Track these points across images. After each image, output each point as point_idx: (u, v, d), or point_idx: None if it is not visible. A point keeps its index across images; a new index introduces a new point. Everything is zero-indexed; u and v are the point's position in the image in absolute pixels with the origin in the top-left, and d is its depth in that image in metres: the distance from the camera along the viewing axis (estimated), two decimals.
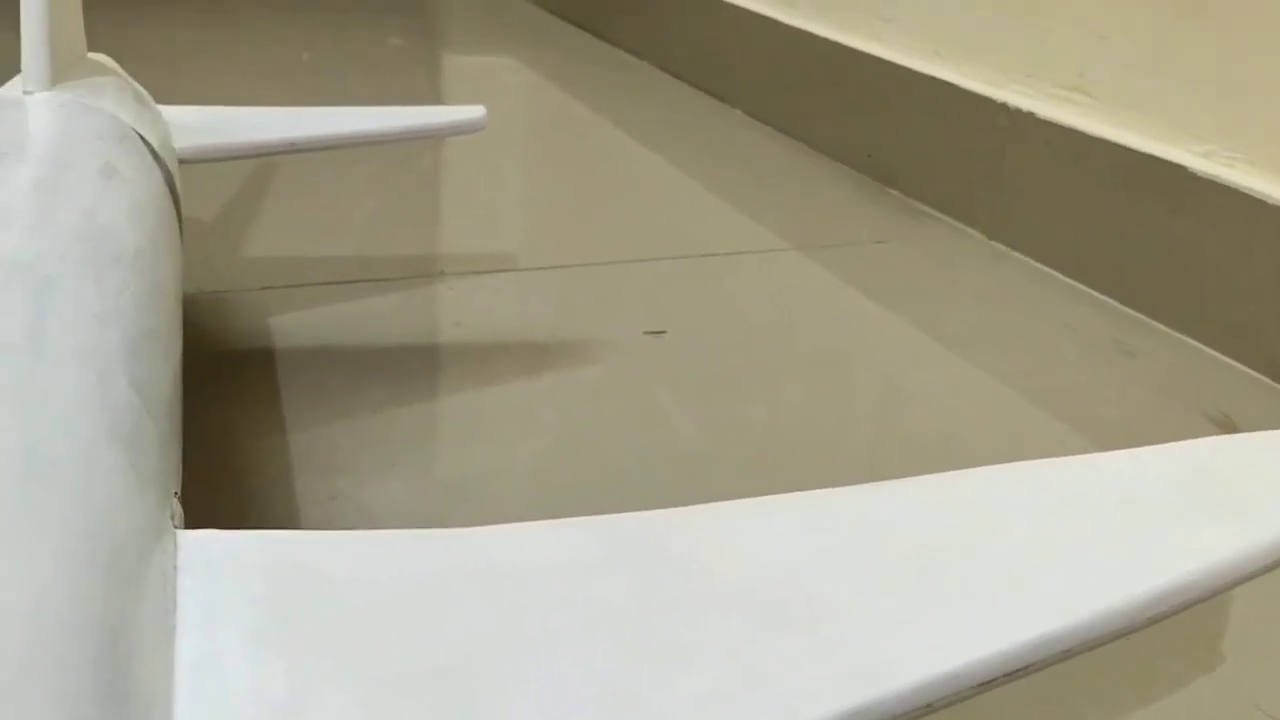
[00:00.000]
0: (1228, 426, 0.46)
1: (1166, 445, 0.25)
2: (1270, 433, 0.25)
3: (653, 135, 0.85)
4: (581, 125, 0.88)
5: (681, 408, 0.44)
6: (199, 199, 0.61)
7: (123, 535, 0.17)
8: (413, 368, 0.46)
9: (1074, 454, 0.44)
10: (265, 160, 0.67)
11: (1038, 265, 0.62)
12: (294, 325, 0.48)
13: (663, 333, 0.50)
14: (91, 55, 0.42)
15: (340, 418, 0.41)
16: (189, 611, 0.17)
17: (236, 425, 0.39)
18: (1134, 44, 0.57)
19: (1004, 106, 0.63)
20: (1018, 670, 0.17)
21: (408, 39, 1.19)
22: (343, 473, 0.37)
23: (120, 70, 0.41)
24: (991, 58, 0.66)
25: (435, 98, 0.97)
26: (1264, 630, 0.33)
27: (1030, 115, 0.62)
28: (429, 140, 0.75)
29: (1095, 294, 0.58)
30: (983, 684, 0.17)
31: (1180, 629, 0.33)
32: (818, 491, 0.23)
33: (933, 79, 0.69)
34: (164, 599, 0.17)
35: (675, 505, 0.37)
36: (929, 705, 0.17)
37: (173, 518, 0.19)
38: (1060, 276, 0.60)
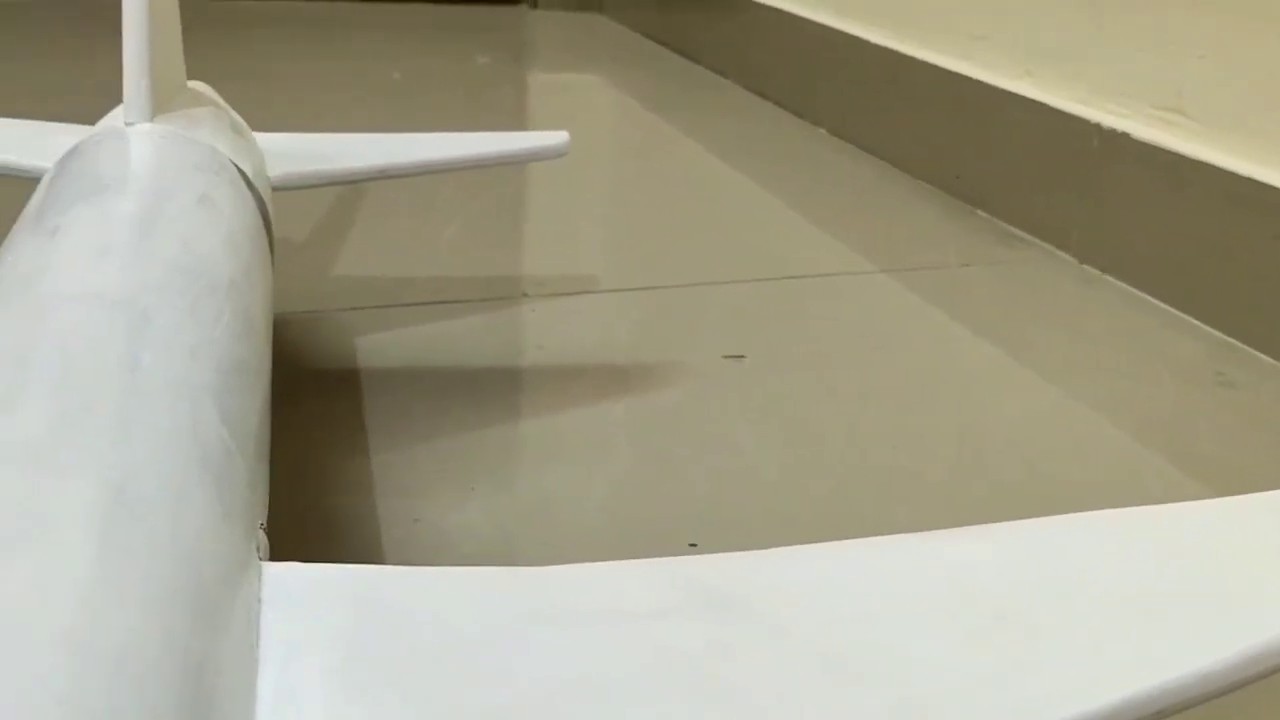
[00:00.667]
0: None
1: (1262, 494, 0.24)
2: None
3: (736, 154, 0.84)
4: (666, 143, 0.89)
5: (759, 435, 0.44)
6: (290, 219, 0.62)
7: (209, 569, 0.17)
8: (494, 390, 0.46)
9: (1171, 491, 0.43)
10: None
11: (1133, 290, 0.60)
12: (380, 346, 0.49)
13: (742, 357, 0.50)
14: (191, 83, 0.43)
15: (423, 440, 0.41)
16: (271, 646, 0.18)
17: (322, 445, 0.40)
18: (1234, 64, 0.55)
19: (1097, 127, 0.62)
20: None
21: (495, 57, 1.21)
22: (424, 496, 0.38)
23: (218, 98, 0.43)
24: (1086, 77, 0.64)
25: (521, 115, 0.99)
26: None
27: (1125, 136, 0.60)
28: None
29: (1194, 321, 0.56)
30: None
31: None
32: (899, 537, 0.22)
33: (1024, 98, 0.68)
34: (248, 633, 0.17)
35: (752, 536, 0.37)
36: None
37: (258, 549, 0.20)
38: (1156, 303, 0.59)
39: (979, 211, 0.73)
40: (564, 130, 0.47)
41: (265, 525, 0.21)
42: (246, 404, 0.23)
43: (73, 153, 0.32)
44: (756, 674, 0.17)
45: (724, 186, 0.78)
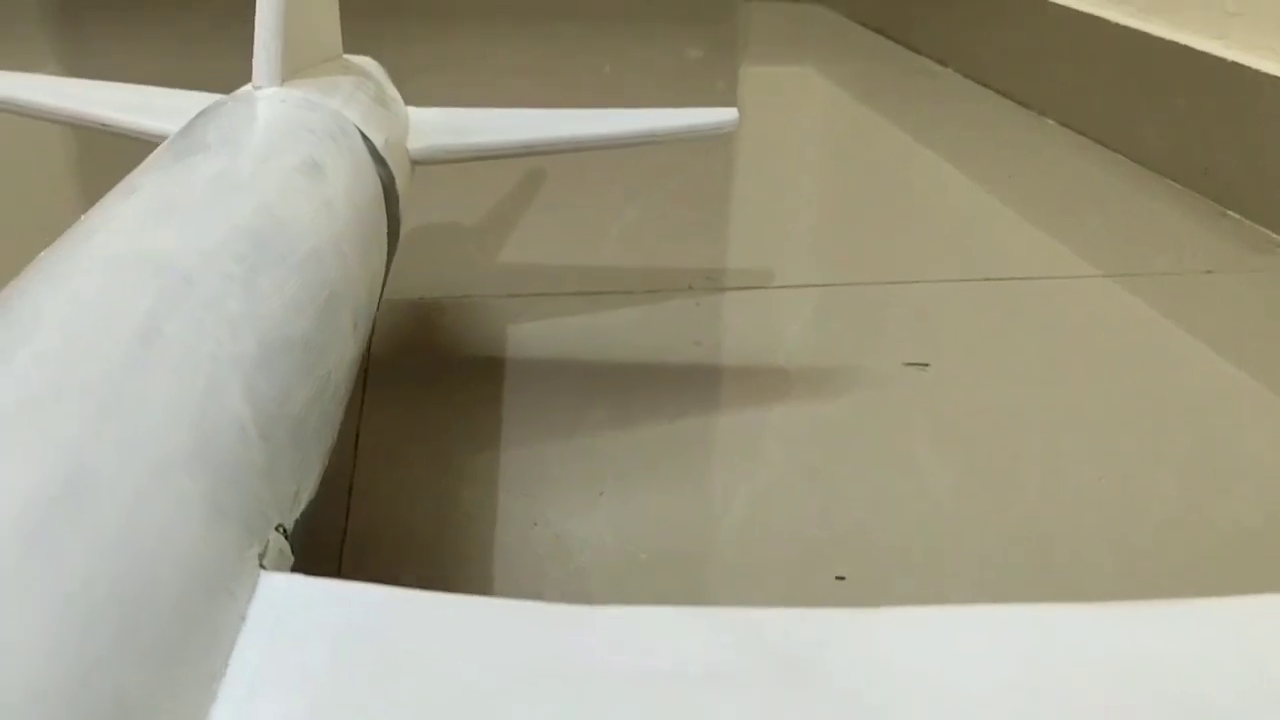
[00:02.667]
0: None
1: None
2: None
3: (950, 145, 0.77)
4: (873, 135, 0.83)
5: (936, 455, 0.38)
6: (463, 203, 0.61)
7: (173, 579, 0.15)
8: (641, 387, 0.43)
9: None
10: (533, 167, 0.66)
11: None
12: (530, 335, 0.46)
13: (925, 365, 0.44)
14: (351, 57, 0.42)
15: (557, 438, 0.38)
16: (238, 675, 0.15)
17: (455, 434, 0.38)
18: None
19: None
20: None
21: (706, 49, 1.18)
22: (548, 498, 0.35)
23: (377, 73, 0.41)
24: None
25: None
26: None
27: None
28: (703, 149, 0.73)
29: None
30: None
31: None
32: (1064, 606, 0.17)
33: None
34: (210, 660, 0.14)
35: (912, 573, 0.31)
36: None
37: (263, 555, 0.17)
38: None
39: (1230, 213, 0.63)
40: (734, 108, 0.43)
41: (285, 527, 0.18)
42: (289, 386, 0.20)
43: (195, 117, 0.31)
44: None
45: (931, 180, 0.71)
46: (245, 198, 0.24)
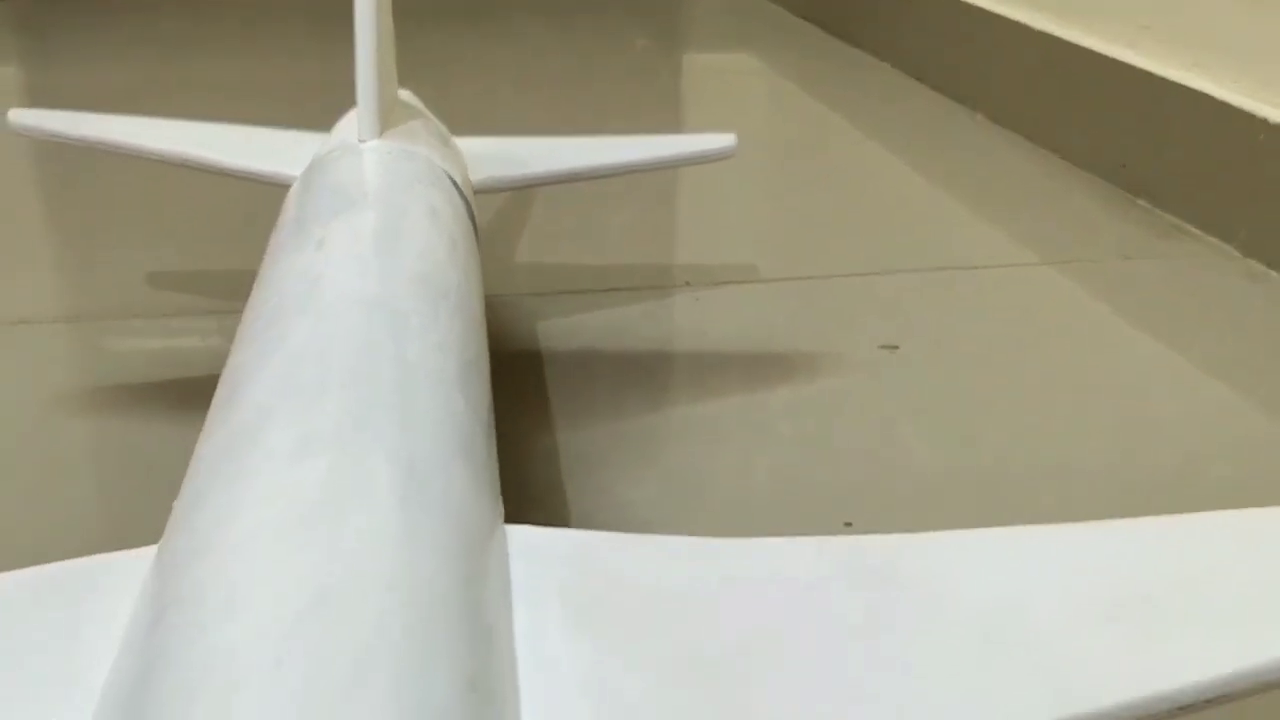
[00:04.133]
0: None
1: None
2: None
3: (892, 138, 0.86)
4: (818, 125, 0.91)
5: (913, 424, 0.46)
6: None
7: (474, 530, 0.22)
8: (663, 374, 0.50)
9: None
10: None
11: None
12: (558, 330, 0.53)
13: (896, 348, 0.52)
14: (400, 92, 0.48)
15: (602, 421, 0.46)
16: (520, 591, 0.22)
17: (516, 423, 0.45)
18: None
19: (1264, 122, 0.61)
20: (1215, 699, 0.20)
21: (654, 39, 1.25)
22: (605, 471, 0.42)
23: (423, 108, 0.48)
24: (1254, 71, 0.63)
25: (683, 102, 1.02)
26: None
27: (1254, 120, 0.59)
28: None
29: None
30: (1173, 711, 0.19)
31: None
32: (1044, 527, 0.25)
33: (1190, 90, 0.67)
34: (504, 581, 0.22)
35: (903, 519, 0.40)
36: None
37: (500, 516, 0.24)
38: None
39: (1140, 202, 0.73)
40: (731, 133, 0.50)
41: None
42: (480, 392, 0.27)
43: (316, 168, 0.38)
44: (910, 641, 0.21)
45: (881, 173, 0.80)
46: (408, 247, 0.31)
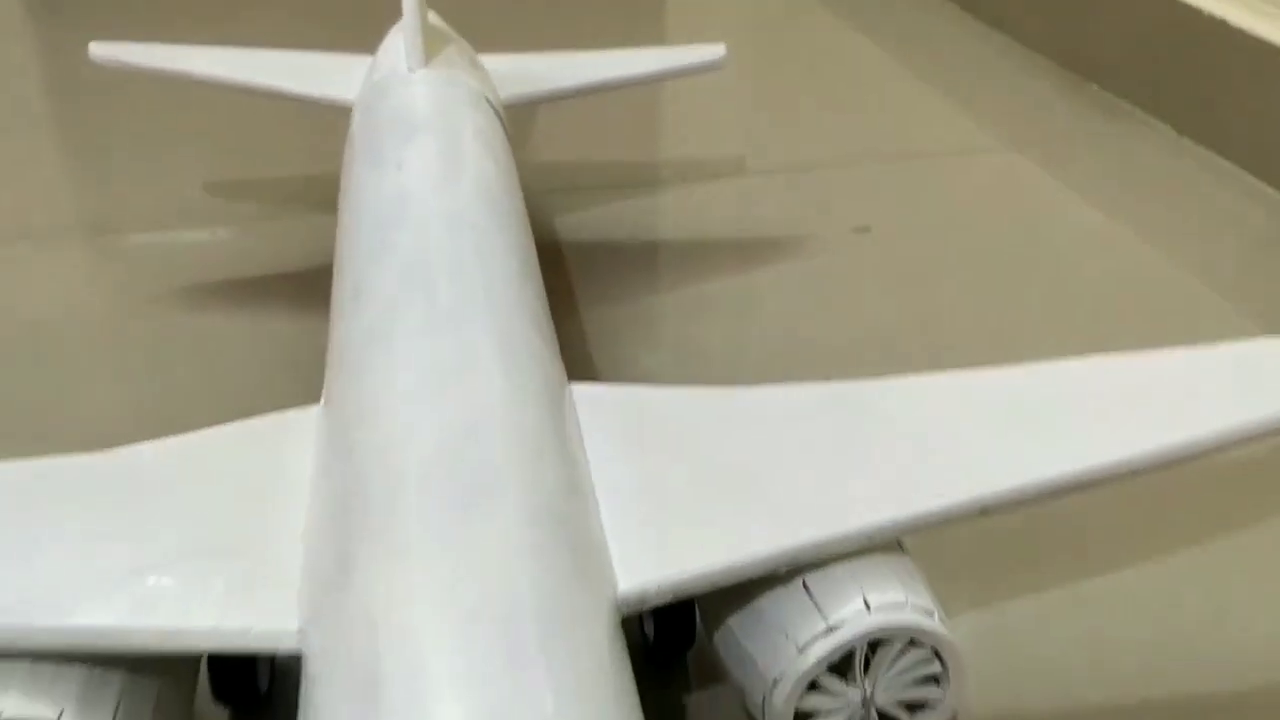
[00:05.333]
0: None
1: (1254, 341, 0.34)
2: None
3: (863, 22, 0.92)
4: (794, 14, 0.96)
5: (881, 293, 0.55)
6: None
7: (553, 386, 0.30)
8: (667, 260, 0.58)
9: (1216, 324, 0.52)
10: None
11: (1219, 159, 0.68)
12: (574, 225, 0.61)
13: (868, 229, 0.60)
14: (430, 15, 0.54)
15: (618, 302, 0.54)
16: (586, 430, 0.30)
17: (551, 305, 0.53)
18: None
19: (1198, 12, 0.68)
20: (1080, 485, 0.28)
21: None
22: (626, 345, 0.50)
23: (452, 31, 0.54)
24: None
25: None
26: None
27: (1222, 22, 0.66)
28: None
29: (1266, 188, 0.64)
30: (1048, 494, 0.28)
31: (1257, 476, 0.42)
32: (977, 370, 0.33)
33: None
34: (576, 423, 0.30)
35: (873, 369, 0.48)
36: (1021, 501, 0.28)
37: (565, 376, 0.32)
38: (1238, 170, 0.66)
39: (1092, 85, 0.79)
40: (720, 43, 0.57)
41: None
42: (537, 282, 0.35)
43: (376, 94, 0.45)
44: (865, 450, 0.29)
45: (854, 60, 0.86)
46: (468, 167, 0.38)
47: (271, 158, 0.68)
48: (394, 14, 0.49)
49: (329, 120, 0.52)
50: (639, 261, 0.58)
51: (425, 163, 0.38)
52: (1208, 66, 0.69)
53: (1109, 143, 0.72)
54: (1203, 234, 0.61)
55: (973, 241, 0.60)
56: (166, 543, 0.26)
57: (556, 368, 0.32)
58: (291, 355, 0.49)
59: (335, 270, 0.37)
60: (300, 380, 0.47)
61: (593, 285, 0.55)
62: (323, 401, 0.31)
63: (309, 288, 0.53)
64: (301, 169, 0.65)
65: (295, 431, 0.30)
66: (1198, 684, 0.35)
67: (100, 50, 0.54)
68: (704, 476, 0.29)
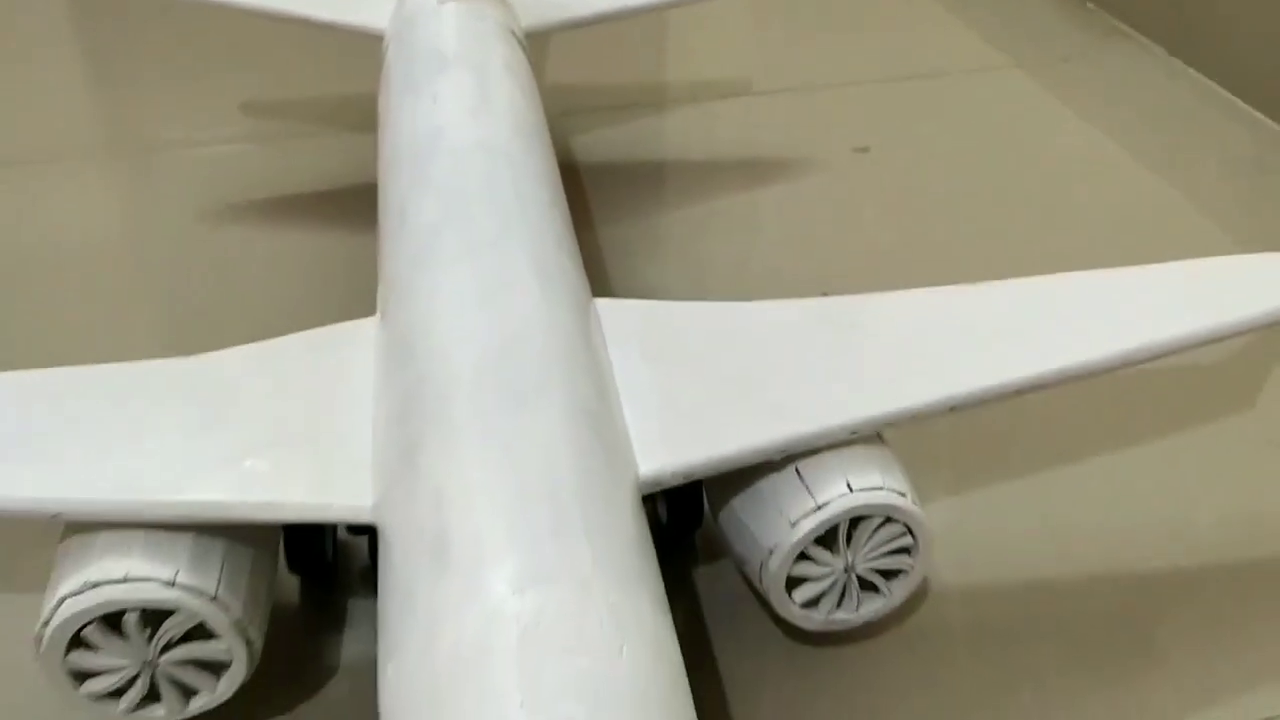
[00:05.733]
0: None
1: (1207, 259, 0.38)
2: (1270, 254, 0.38)
3: None
4: None
5: (877, 212, 0.58)
6: None
7: (582, 300, 0.34)
8: (676, 179, 0.62)
9: (1186, 234, 0.56)
10: None
11: (1207, 82, 0.71)
12: (589, 145, 0.64)
13: (867, 149, 0.64)
14: None
15: (630, 218, 0.57)
16: (610, 340, 0.34)
17: None
18: None
19: None
20: (1038, 386, 0.33)
21: None
22: (637, 259, 0.54)
23: None
24: None
25: None
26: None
27: None
28: None
29: (1255, 112, 0.67)
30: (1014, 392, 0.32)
31: (1210, 380, 0.47)
32: (954, 286, 0.37)
33: None
34: (601, 333, 0.34)
35: (867, 285, 0.52)
36: (984, 400, 0.32)
37: (589, 291, 0.37)
38: (1226, 94, 0.69)
39: (1089, 4, 0.82)
40: None
41: None
42: (563, 205, 0.39)
43: (406, 27, 0.48)
44: (854, 353, 0.34)
45: None
46: (498, 96, 0.42)
47: (305, 79, 0.71)
48: None
49: (360, 44, 0.56)
50: (649, 180, 0.61)
51: (459, 95, 0.42)
52: None
53: (1104, 62, 0.74)
54: (1188, 154, 0.64)
55: (967, 161, 0.63)
56: (254, 433, 0.31)
57: (583, 284, 0.36)
58: (332, 267, 0.53)
59: (380, 194, 0.41)
60: (343, 289, 0.51)
61: (606, 203, 0.59)
62: (379, 315, 0.35)
63: (347, 204, 0.58)
64: (335, 89, 0.68)
65: (356, 340, 0.34)
66: (1148, 562, 0.39)
67: None
68: (711, 379, 0.33)
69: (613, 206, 0.59)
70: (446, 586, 0.25)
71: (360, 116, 0.63)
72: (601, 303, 0.36)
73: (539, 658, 0.23)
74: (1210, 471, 0.43)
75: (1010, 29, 0.79)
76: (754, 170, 0.62)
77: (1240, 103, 0.68)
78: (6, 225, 0.57)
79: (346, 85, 0.68)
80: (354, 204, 0.57)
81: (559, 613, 0.23)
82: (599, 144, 0.65)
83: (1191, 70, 0.72)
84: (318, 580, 0.37)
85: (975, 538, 0.40)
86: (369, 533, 0.34)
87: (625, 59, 0.75)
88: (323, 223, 0.57)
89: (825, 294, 0.53)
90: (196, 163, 0.63)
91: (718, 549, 0.38)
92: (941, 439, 0.44)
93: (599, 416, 0.30)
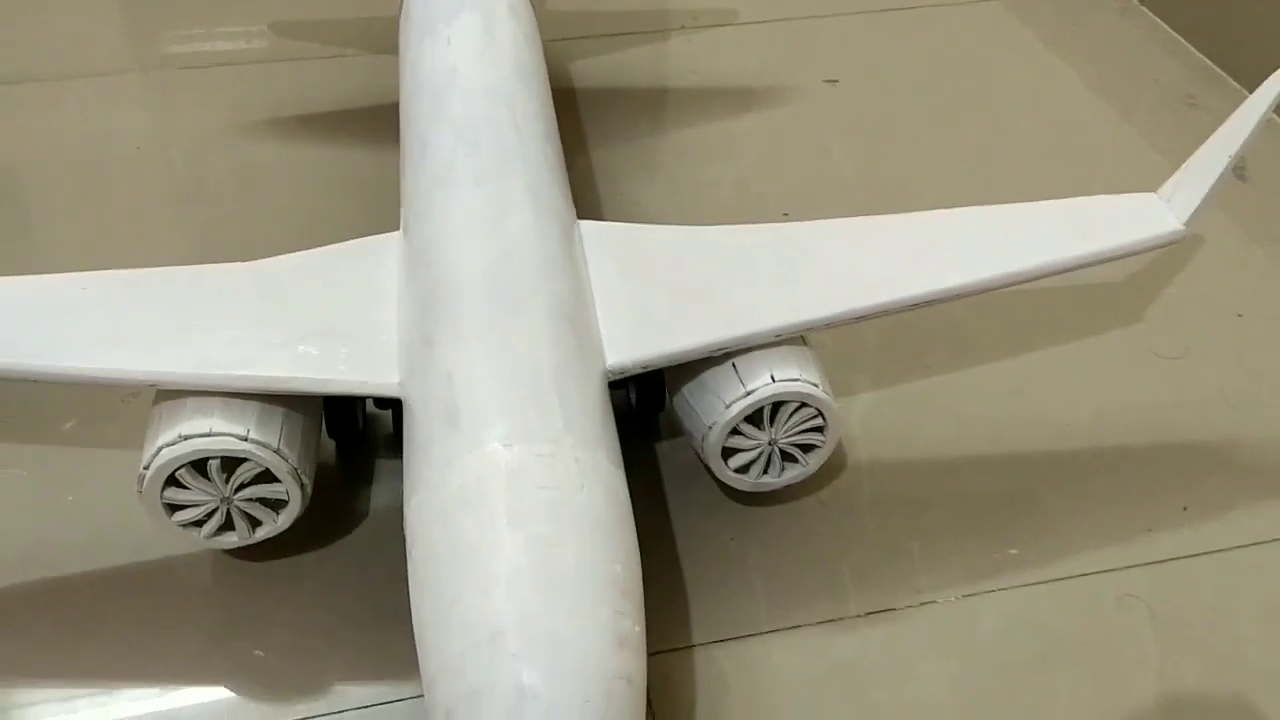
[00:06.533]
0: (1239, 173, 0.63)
1: (1090, 197, 0.46)
2: (1143, 194, 0.45)
3: None
4: None
5: (841, 141, 0.66)
6: None
7: (567, 223, 0.42)
8: (663, 104, 0.69)
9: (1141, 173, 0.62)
10: None
11: (1155, 19, 0.77)
12: (585, 70, 0.71)
13: (836, 81, 0.70)
14: None
15: (620, 143, 0.65)
16: (591, 252, 0.42)
17: (565, 144, 0.64)
18: None
19: None
20: (937, 300, 0.41)
21: None
22: (625, 181, 0.62)
23: None
24: None
25: None
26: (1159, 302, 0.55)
27: None
28: None
29: (1192, 49, 0.73)
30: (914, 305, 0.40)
31: (1106, 300, 0.55)
32: (878, 216, 0.45)
33: None
34: (582, 250, 0.42)
35: (826, 208, 0.60)
36: (888, 311, 0.40)
37: (574, 214, 0.44)
38: (1171, 32, 0.75)
39: None
40: None
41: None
42: (556, 141, 0.47)
43: None
44: (790, 269, 0.41)
45: None
46: (502, 42, 0.49)
47: (330, 1, 0.77)
48: None
49: None
50: (639, 105, 0.68)
51: (469, 39, 0.49)
52: None
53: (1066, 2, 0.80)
54: (1131, 84, 0.71)
55: (929, 90, 0.70)
56: (304, 325, 0.39)
57: (569, 209, 0.44)
58: (352, 180, 0.61)
59: (402, 124, 0.48)
60: (363, 200, 0.59)
61: (599, 126, 0.66)
62: (401, 230, 0.43)
63: (370, 124, 0.65)
64: (356, 13, 0.75)
65: (384, 251, 0.42)
66: (1037, 445, 0.48)
67: None
68: (670, 290, 0.41)
69: (605, 129, 0.66)
70: (455, 442, 0.33)
71: (380, 40, 0.70)
72: (585, 224, 0.44)
73: (520, 492, 0.31)
74: (1095, 375, 0.51)
75: None
76: (734, 98, 0.69)
77: (1181, 40, 0.74)
78: (48, 137, 0.65)
79: (366, 8, 0.74)
80: (373, 123, 0.65)
81: (536, 461, 0.32)
82: (595, 69, 0.71)
83: (1144, 9, 0.78)
84: (351, 445, 0.46)
85: (889, 425, 0.49)
86: (393, 407, 0.43)
87: None
88: (346, 139, 0.65)
89: (786, 215, 0.61)
90: (227, 79, 0.70)
91: (675, 429, 0.47)
92: (870, 345, 0.52)
93: (576, 318, 0.38)
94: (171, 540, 0.40)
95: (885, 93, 0.70)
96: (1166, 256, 0.57)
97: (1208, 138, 0.44)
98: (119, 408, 0.47)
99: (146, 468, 0.37)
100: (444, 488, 0.32)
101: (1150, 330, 0.54)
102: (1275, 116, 0.59)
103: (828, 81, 0.70)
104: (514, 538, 0.30)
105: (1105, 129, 0.67)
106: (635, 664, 0.29)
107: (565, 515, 0.31)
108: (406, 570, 0.33)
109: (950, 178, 0.63)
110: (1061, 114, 0.69)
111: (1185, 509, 0.45)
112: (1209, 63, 0.72)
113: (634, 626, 0.30)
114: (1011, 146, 0.66)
